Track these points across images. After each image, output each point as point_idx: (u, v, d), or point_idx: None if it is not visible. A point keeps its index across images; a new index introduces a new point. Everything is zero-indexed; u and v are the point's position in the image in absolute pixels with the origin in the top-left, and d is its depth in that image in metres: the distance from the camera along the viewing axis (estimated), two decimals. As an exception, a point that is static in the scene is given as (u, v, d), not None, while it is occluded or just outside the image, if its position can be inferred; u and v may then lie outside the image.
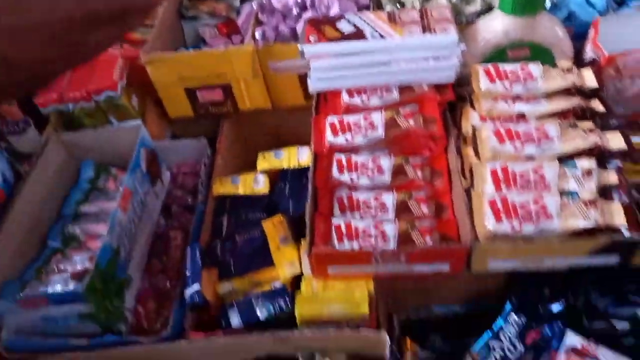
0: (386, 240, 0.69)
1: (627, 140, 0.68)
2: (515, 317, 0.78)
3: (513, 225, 0.65)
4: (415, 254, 0.67)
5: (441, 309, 0.93)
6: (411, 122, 0.78)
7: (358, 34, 0.78)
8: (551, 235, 0.64)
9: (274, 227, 0.82)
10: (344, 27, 0.80)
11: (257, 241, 0.84)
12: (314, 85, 0.82)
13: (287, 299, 0.73)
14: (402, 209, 0.74)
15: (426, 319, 0.94)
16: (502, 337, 0.79)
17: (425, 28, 0.77)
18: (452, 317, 0.92)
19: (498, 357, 0.79)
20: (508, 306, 0.79)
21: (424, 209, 0.74)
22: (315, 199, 0.77)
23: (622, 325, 0.75)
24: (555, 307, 0.77)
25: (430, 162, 0.78)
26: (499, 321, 0.79)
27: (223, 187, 0.94)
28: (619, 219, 0.63)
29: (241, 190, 0.93)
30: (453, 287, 0.88)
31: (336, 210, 0.75)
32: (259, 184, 0.92)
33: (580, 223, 0.63)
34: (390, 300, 0.92)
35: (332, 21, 0.82)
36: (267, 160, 0.91)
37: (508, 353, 0.78)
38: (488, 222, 0.65)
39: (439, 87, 0.82)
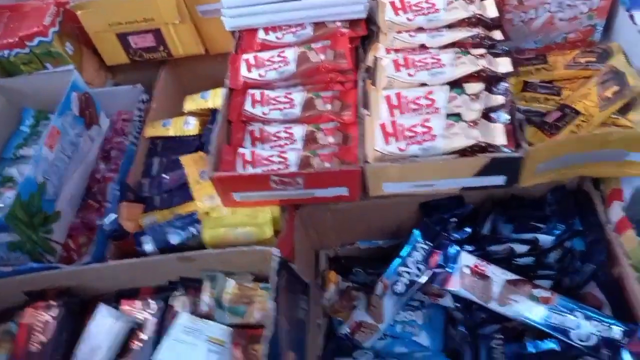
0: (288, 166, 0.72)
1: (515, 65, 0.70)
2: (422, 244, 0.82)
3: (399, 146, 0.67)
4: (310, 176, 0.70)
5: (365, 244, 0.96)
6: (322, 56, 0.80)
7: (268, -30, 0.80)
8: (436, 154, 0.67)
9: (194, 163, 0.85)
10: (257, -36, 0.82)
11: (183, 178, 0.87)
12: (228, 23, 0.84)
13: (198, 225, 0.77)
14: (310, 140, 0.77)
15: (352, 254, 0.98)
16: (410, 263, 0.83)
17: (334, -37, 0.79)
18: (376, 251, 0.96)
19: (406, 281, 0.83)
20: (415, 233, 0.82)
21: (331, 139, 0.77)
22: (228, 133, 0.80)
23: (521, 248, 0.79)
24: (459, 235, 0.81)
25: (341, 95, 0.81)
26: (407, 248, 0.83)
27: (154, 129, 0.97)
28: (500, 138, 0.66)
29: (172, 132, 0.96)
30: (375, 223, 0.92)
31: (247, 142, 0.78)
32: (189, 126, 0.95)
33: (462, 142, 0.66)
34: (317, 239, 0.96)
35: (245, -40, 0.83)
36: (194, 101, 0.94)
37: (415, 277, 0.82)
38: (377, 144, 0.68)
39: (352, 23, 0.84)
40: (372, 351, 0.86)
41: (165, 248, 0.76)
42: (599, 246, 0.75)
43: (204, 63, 1.07)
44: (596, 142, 0.67)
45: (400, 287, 0.83)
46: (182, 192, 0.86)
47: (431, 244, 0.81)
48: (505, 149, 0.66)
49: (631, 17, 0.78)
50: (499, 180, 0.70)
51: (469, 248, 0.79)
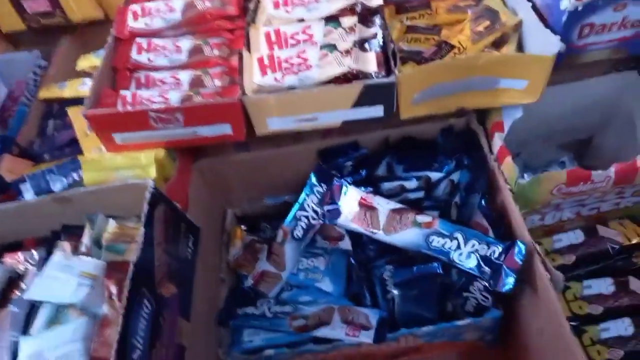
0: (168, 105, 0.72)
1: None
2: (318, 187, 0.82)
3: (276, 77, 0.68)
4: (189, 110, 0.69)
5: (271, 200, 0.96)
6: (207, 4, 0.81)
7: None
8: (311, 83, 0.67)
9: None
10: None
11: (73, 133, 0.85)
12: (114, -27, 0.83)
13: (80, 171, 0.74)
14: (196, 84, 0.77)
15: (260, 211, 0.98)
16: (307, 207, 0.83)
17: None
18: (283, 206, 0.96)
19: (304, 225, 0.83)
20: (312, 178, 0.83)
21: (217, 82, 0.77)
22: (114, 82, 0.79)
23: (412, 185, 0.80)
24: (354, 177, 0.82)
25: (230, 43, 0.81)
26: (304, 193, 0.83)
27: (49, 92, 0.95)
28: (371, 65, 0.67)
29: (67, 94, 0.93)
30: (278, 176, 0.92)
31: (132, 87, 0.77)
32: (86, 86, 0.93)
33: (336, 70, 0.67)
34: (223, 197, 0.95)
35: None
36: (88, 59, 0.92)
37: (312, 221, 0.82)
38: (254, 77, 0.69)
39: (240, -28, 0.84)
40: (275, 299, 0.85)
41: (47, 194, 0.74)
42: (482, 176, 0.77)
43: (107, 29, 1.05)
44: (464, 68, 0.69)
45: (299, 232, 0.83)
46: (73, 147, 0.84)
47: (326, 186, 0.81)
48: (377, 76, 0.67)
49: (503, -41, 0.81)
50: (377, 110, 0.71)
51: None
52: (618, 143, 0.93)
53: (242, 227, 0.93)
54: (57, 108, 0.94)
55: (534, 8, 0.74)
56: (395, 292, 0.74)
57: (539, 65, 0.68)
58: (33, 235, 0.74)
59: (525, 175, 0.71)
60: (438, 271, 0.70)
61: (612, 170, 0.69)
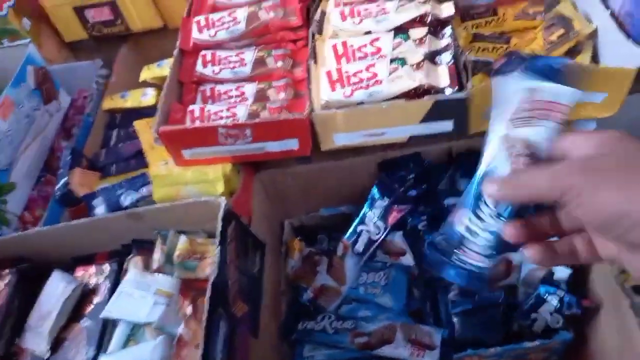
0: (237, 120, 0.72)
1: (457, 9, 0.70)
2: (380, 201, 0.81)
3: (345, 92, 0.67)
4: (258, 126, 0.69)
5: (328, 211, 0.96)
6: (272, 14, 0.80)
7: None
8: (381, 98, 0.66)
9: (148, 128, 0.85)
10: None
11: (139, 145, 0.87)
12: (178, -14, 0.83)
13: (150, 186, 0.76)
14: (260, 97, 0.77)
15: (317, 223, 0.97)
16: (368, 221, 0.82)
17: None
18: (340, 217, 0.95)
19: (365, 239, 0.82)
20: (373, 191, 0.82)
21: (282, 95, 0.76)
22: (180, 95, 0.79)
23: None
24: (417, 190, 0.80)
25: (293, 54, 0.80)
26: (366, 207, 0.82)
27: (113, 102, 0.97)
28: (443, 79, 0.66)
29: (129, 104, 0.95)
30: (336, 188, 0.91)
31: (198, 102, 0.78)
32: (147, 96, 0.95)
33: (406, 84, 0.66)
34: (281, 209, 0.95)
35: None
36: (150, 70, 0.94)
37: (374, 235, 0.81)
38: (322, 92, 0.68)
39: (303, -18, 0.84)
40: (335, 314, 0.85)
41: (118, 210, 0.75)
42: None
43: (166, 38, 1.06)
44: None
45: (360, 246, 0.82)
46: (139, 159, 0.86)
47: (389, 200, 0.80)
48: (449, 90, 0.65)
49: (575, -37, 0.78)
50: (447, 125, 0.69)
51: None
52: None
53: (299, 238, 0.94)
54: (120, 118, 0.96)
55: (613, 15, 0.71)
56: (456, 318, 0.73)
57: (619, 78, 0.65)
58: (104, 249, 0.76)
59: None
60: (500, 301, 0.69)
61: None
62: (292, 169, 0.86)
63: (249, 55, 0.80)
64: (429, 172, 0.83)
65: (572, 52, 0.73)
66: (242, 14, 0.81)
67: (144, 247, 0.74)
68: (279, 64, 0.79)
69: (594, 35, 0.73)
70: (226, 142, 0.71)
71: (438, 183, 0.82)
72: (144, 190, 0.75)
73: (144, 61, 1.11)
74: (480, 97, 0.67)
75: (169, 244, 0.70)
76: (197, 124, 0.71)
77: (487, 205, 0.38)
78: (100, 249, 0.77)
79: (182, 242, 0.70)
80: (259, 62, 0.79)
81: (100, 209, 0.75)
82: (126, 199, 0.75)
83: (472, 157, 0.83)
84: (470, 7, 0.85)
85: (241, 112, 0.72)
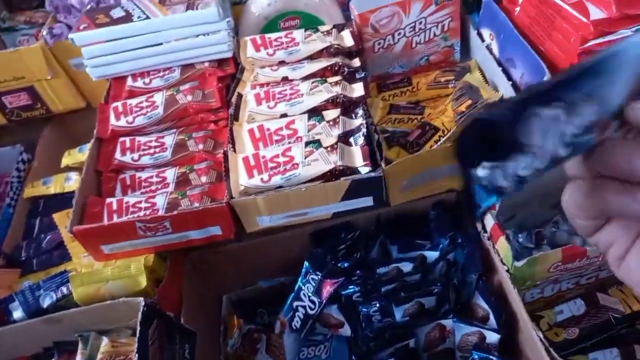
0: (156, 211, 0.70)
1: (367, 90, 0.72)
2: (313, 275, 0.81)
3: (262, 178, 0.67)
4: (177, 218, 0.68)
5: (266, 283, 0.94)
6: (189, 97, 0.80)
7: (126, 18, 0.80)
8: (298, 182, 0.67)
9: (67, 218, 0.82)
10: (116, 13, 0.82)
11: (60, 236, 0.83)
12: (93, 73, 0.83)
13: (69, 284, 0.72)
14: (182, 182, 0.76)
15: (256, 295, 0.96)
16: (303, 296, 0.81)
17: (190, 6, 0.80)
18: (279, 288, 0.94)
19: (302, 315, 0.81)
20: (306, 266, 0.81)
21: (204, 179, 0.76)
22: (99, 185, 0.77)
23: (407, 267, 0.79)
24: (348, 261, 0.80)
25: (214, 134, 0.80)
26: (299, 282, 0.81)
27: (34, 189, 0.93)
28: (357, 160, 0.67)
29: (53, 190, 0.92)
30: (271, 260, 0.90)
31: (118, 192, 0.76)
32: (71, 181, 0.92)
33: (322, 167, 0.66)
34: (218, 284, 0.93)
35: (107, 9, 0.83)
36: (72, 156, 0.91)
37: (309, 310, 0.80)
38: (241, 179, 0.68)
39: (221, 62, 0.85)
40: (277, 393, 0.83)
41: (37, 312, 0.72)
42: (478, 255, 0.76)
43: (89, 117, 1.04)
44: (450, 153, 0.69)
45: (297, 322, 0.81)
46: (61, 251, 0.82)
47: (321, 274, 0.80)
48: (364, 170, 0.66)
49: (479, 35, 0.82)
50: (367, 201, 0.71)
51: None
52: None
53: (238, 315, 0.91)
54: (42, 205, 0.93)
55: (514, 86, 0.74)
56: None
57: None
58: (25, 353, 0.72)
59: (520, 261, 0.70)
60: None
61: (607, 244, 0.69)
62: (223, 247, 0.84)
63: (169, 139, 0.79)
64: (360, 240, 0.84)
65: (482, 120, 0.76)
66: (159, 98, 0.81)
67: (67, 349, 0.70)
68: (200, 146, 0.78)
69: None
70: (146, 235, 0.69)
71: (370, 251, 0.83)
72: (64, 290, 0.72)
73: (70, 141, 1.08)
74: (395, 172, 0.68)
75: (90, 348, 0.66)
76: (115, 219, 0.69)
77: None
78: (20, 353, 0.72)
79: (104, 344, 0.67)
80: (180, 146, 0.79)
81: (17, 313, 0.71)
82: (45, 300, 0.72)
83: (400, 223, 0.86)
84: (387, 76, 0.89)
85: (160, 202, 0.71)
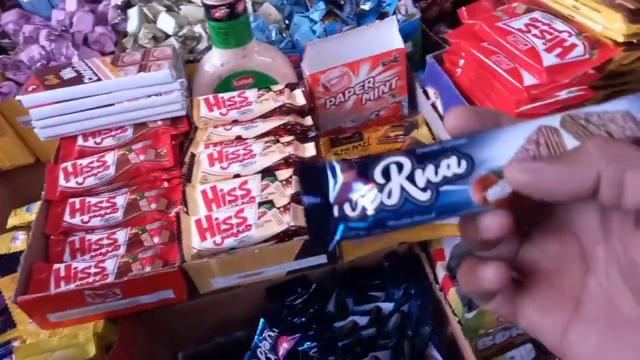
0: (105, 277, 0.69)
1: (319, 150, 0.74)
2: (269, 332, 0.80)
3: (215, 241, 0.67)
4: (127, 284, 0.67)
5: (224, 338, 0.93)
6: (142, 157, 0.80)
7: (76, 79, 0.80)
8: (251, 243, 0.67)
9: (13, 284, 0.78)
10: (67, 73, 0.81)
11: (4, 301, 0.80)
12: (41, 134, 0.81)
13: (13, 356, 0.69)
14: (134, 243, 0.75)
15: (213, 351, 0.94)
16: (260, 354, 0.80)
17: (143, 67, 0.81)
18: (237, 343, 0.92)
19: (258, 374, 0.80)
20: (261, 322, 0.81)
21: (156, 239, 0.75)
22: (47, 249, 0.75)
23: (363, 320, 0.80)
24: (304, 317, 0.80)
25: (167, 193, 0.80)
26: (255, 339, 0.81)
27: (-23, 250, 0.89)
28: (310, 220, 0.68)
29: (-2, 251, 0.89)
30: (228, 315, 0.89)
31: (66, 256, 0.74)
32: (17, 241, 0.89)
33: (275, 228, 0.67)
34: (174, 342, 0.91)
35: (57, 70, 0.83)
36: (19, 216, 0.89)
37: (266, 368, 0.79)
38: (193, 242, 0.68)
39: (174, 120, 0.85)
40: None
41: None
42: (430, 308, 0.78)
43: (38, 172, 1.02)
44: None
45: (253, 382, 0.80)
46: (6, 317, 0.79)
47: (277, 331, 0.79)
48: (317, 230, 0.67)
49: (425, 92, 0.87)
50: (321, 259, 0.71)
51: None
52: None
53: (194, 372, 0.89)
54: (-13, 267, 0.89)
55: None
56: None
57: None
58: None
59: (470, 312, 0.72)
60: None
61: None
62: (177, 306, 0.83)
63: (121, 199, 0.78)
64: (316, 294, 0.84)
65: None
66: (111, 158, 0.80)
67: None
68: (153, 205, 0.78)
69: (446, 156, 0.80)
70: (94, 302, 0.67)
71: (326, 305, 0.83)
72: (7, 362, 0.69)
73: (19, 198, 1.05)
74: (348, 231, 0.70)
75: None
76: (62, 286, 0.67)
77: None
78: None
79: (49, 420, 0.64)
80: (132, 206, 0.78)
81: (-47, 390, 0.67)
82: (-15, 375, 0.68)
83: (356, 275, 0.87)
84: (340, 131, 0.91)
85: (110, 267, 0.70)
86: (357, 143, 0.87)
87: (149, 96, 0.81)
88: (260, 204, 0.69)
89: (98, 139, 0.83)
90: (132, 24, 0.95)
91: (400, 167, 0.28)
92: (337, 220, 0.28)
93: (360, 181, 0.28)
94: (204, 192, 0.72)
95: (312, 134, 0.77)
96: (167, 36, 0.93)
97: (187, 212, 0.71)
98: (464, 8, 0.79)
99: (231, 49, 0.82)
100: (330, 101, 0.86)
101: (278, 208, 0.69)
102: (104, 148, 0.82)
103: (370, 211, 0.27)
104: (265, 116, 0.81)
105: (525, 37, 0.69)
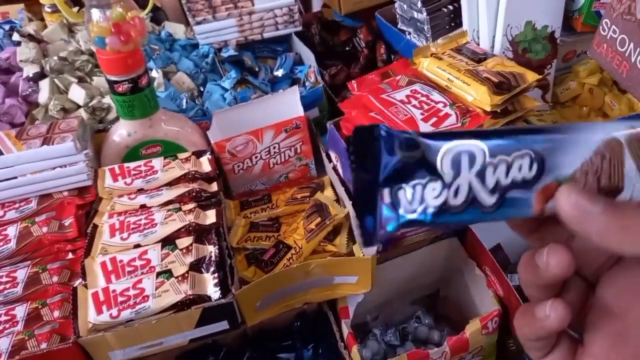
0: (-2, 356, 0.67)
1: (220, 217, 0.77)
2: (178, 401, 0.80)
3: (112, 314, 0.67)
4: (19, 363, 0.65)
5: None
6: (45, 229, 0.80)
7: (-24, 154, 0.80)
8: (149, 315, 0.68)
9: None
10: (-32, 148, 0.81)
11: None
12: (-61, 209, 0.80)
13: None
14: (32, 319, 0.73)
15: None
16: None
17: (46, 140, 0.82)
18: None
19: None
20: (170, 391, 0.80)
21: (57, 313, 0.74)
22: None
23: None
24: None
25: (71, 265, 0.80)
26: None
27: None
28: (210, 287, 0.70)
29: None
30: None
31: (-41, 335, 0.72)
32: None
33: (173, 298, 0.68)
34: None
35: (-42, 144, 0.83)
36: None
37: None
38: (89, 316, 0.67)
39: (81, 190, 0.86)
40: None
41: None
42: (336, 365, 0.80)
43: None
44: (300, 274, 0.74)
45: None
46: None
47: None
48: (215, 297, 0.69)
49: (328, 156, 0.92)
50: (222, 325, 0.73)
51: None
52: (460, 292, 1.02)
53: None
54: None
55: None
56: None
57: (363, 264, 0.75)
58: None
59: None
60: None
61: (446, 345, 0.76)
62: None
63: (22, 273, 0.77)
64: (228, 358, 0.84)
65: (333, 235, 0.83)
66: (12, 231, 0.79)
67: None
68: (55, 278, 0.77)
69: (348, 217, 0.85)
70: (-16, 385, 0.66)
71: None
72: None
73: None
74: (247, 295, 0.72)
75: None
76: (-51, 371, 0.65)
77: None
78: None
79: None
80: (33, 280, 0.77)
81: None
82: None
83: (267, 336, 0.88)
84: (250, 193, 0.94)
85: (4, 345, 0.68)
86: (266, 205, 0.90)
87: (54, 168, 0.82)
88: (159, 274, 0.70)
89: (0, 212, 0.82)
90: (43, 95, 0.96)
91: (472, 159, 0.24)
92: (389, 207, 0.24)
93: (424, 168, 0.24)
94: (103, 264, 0.72)
95: (214, 200, 0.80)
96: (78, 107, 0.95)
97: (85, 286, 0.71)
98: (353, 81, 0.86)
99: (137, 119, 0.85)
100: (238, 166, 0.90)
101: (176, 277, 0.70)
102: (6, 221, 0.82)
103: (431, 208, 0.24)
104: (171, 184, 0.83)
105: (405, 108, 0.76)
